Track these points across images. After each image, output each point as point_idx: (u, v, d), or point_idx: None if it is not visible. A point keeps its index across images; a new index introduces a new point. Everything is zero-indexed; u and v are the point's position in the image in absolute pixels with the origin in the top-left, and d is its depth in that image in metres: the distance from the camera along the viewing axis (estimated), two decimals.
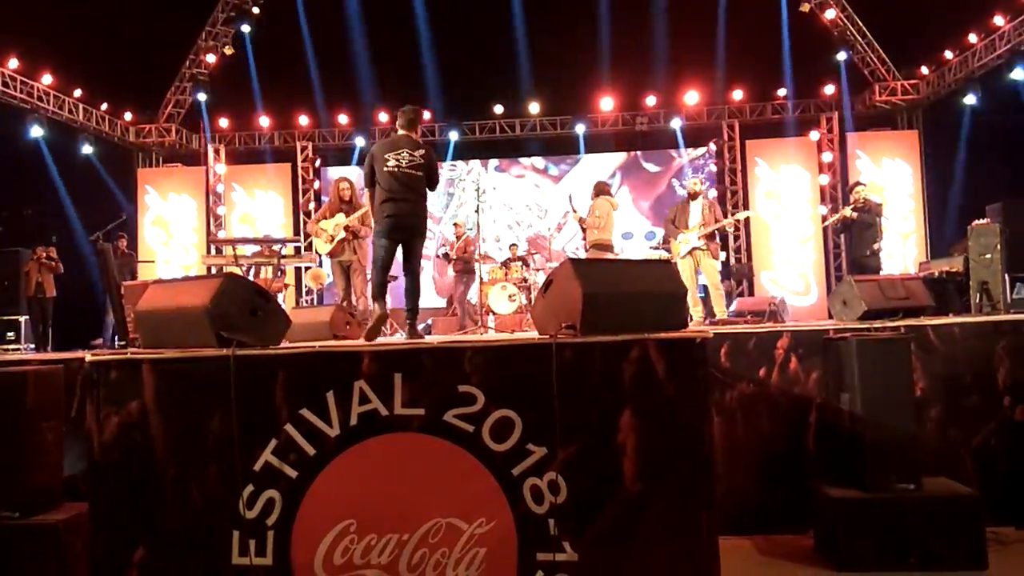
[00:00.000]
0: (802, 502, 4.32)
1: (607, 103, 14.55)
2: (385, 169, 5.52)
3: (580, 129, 14.83)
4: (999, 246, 6.60)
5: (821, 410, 4.55)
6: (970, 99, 12.32)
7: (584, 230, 8.76)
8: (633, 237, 14.65)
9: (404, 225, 5.55)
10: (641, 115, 14.80)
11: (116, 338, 7.67)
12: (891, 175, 13.82)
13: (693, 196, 8.15)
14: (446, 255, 11.42)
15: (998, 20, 11.71)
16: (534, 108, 14.76)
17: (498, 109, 14.87)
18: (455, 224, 11.88)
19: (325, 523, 2.99)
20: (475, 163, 15.43)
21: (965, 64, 12.65)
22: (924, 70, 13.85)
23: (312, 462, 3.02)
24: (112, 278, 8.14)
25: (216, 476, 3.04)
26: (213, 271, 9.77)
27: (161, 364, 3.13)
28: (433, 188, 5.74)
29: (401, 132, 5.76)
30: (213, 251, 13.05)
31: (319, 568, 2.96)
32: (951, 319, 5.13)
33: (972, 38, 12.34)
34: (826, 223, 9.97)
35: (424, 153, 5.61)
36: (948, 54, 13.05)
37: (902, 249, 13.60)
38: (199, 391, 3.09)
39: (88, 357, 3.20)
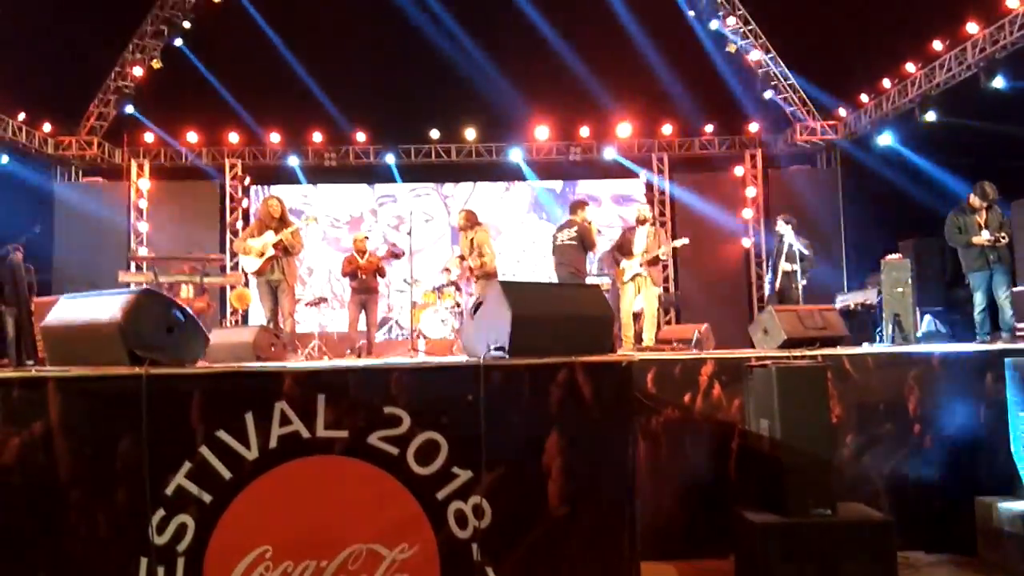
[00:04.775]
0: (724, 527, 4.37)
1: (542, 131, 14.75)
2: (555, 244, 8.27)
3: (517, 156, 14.97)
4: (909, 281, 6.91)
5: (743, 436, 4.63)
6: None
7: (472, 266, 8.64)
8: None
9: (561, 277, 8.16)
10: (575, 145, 15.06)
11: (20, 357, 7.27)
12: (811, 210, 14.35)
13: (641, 222, 8.31)
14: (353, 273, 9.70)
15: (909, 67, 12.41)
16: (470, 134, 14.84)
17: (434, 134, 14.90)
18: (355, 239, 10.03)
19: (240, 549, 2.88)
20: (419, 186, 15.37)
21: (880, 107, 13.34)
22: (842, 112, 14.53)
23: (228, 486, 2.91)
24: (22, 293, 7.76)
25: (124, 500, 2.89)
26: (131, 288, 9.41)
27: (68, 382, 2.97)
28: (591, 249, 8.33)
29: (568, 216, 8.41)
30: (133, 268, 12.62)
31: None
32: (866, 349, 5.32)
33: (886, 83, 13.03)
34: (774, 281, 9.52)
35: (577, 229, 8.13)
36: (864, 97, 13.74)
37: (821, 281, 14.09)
38: (109, 411, 2.94)
39: None
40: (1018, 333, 7.44)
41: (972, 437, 4.70)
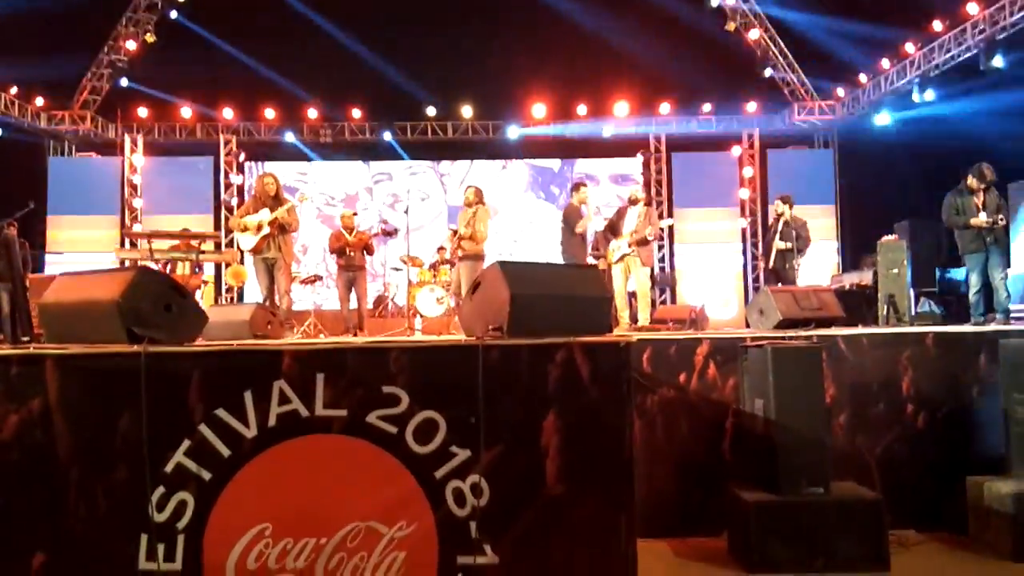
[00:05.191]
0: (718, 505, 4.42)
1: (539, 109, 14.67)
2: None
3: (513, 133, 14.88)
4: (905, 262, 6.93)
5: (737, 416, 4.66)
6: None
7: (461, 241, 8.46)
8: None
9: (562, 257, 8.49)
10: (572, 123, 14.99)
11: (15, 332, 7.26)
12: (808, 191, 14.33)
13: (633, 202, 8.28)
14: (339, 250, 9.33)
15: (909, 47, 12.37)
16: (467, 111, 14.76)
17: (430, 111, 14.80)
18: (343, 216, 9.68)
19: (239, 527, 2.89)
20: (415, 164, 15.30)
21: (878, 87, 13.29)
22: (840, 92, 14.47)
23: (227, 464, 2.92)
24: (16, 269, 7.74)
25: (124, 478, 2.90)
26: (127, 265, 9.39)
27: (66, 360, 2.97)
28: (571, 230, 8.24)
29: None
30: (127, 244, 12.58)
31: (231, 572, 2.86)
32: (860, 330, 5.34)
33: (885, 63, 12.98)
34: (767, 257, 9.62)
35: (564, 213, 8.45)
36: (863, 77, 13.68)
37: (817, 262, 14.13)
38: (107, 389, 2.94)
39: None
40: (1012, 315, 7.48)
41: (964, 417, 4.74)
